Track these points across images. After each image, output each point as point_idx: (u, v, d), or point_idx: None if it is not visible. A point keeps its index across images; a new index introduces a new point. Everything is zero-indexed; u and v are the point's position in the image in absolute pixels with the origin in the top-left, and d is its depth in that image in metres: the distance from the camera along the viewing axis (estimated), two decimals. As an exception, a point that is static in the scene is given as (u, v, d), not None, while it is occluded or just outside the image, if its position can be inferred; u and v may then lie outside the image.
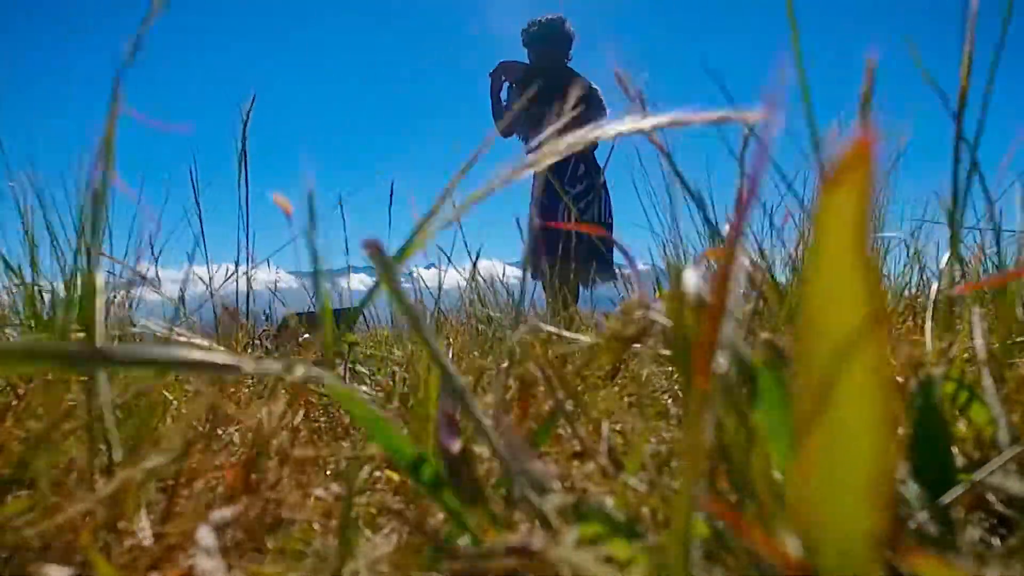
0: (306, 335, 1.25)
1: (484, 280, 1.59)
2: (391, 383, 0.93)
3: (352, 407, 0.35)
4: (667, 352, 0.43)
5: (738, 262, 0.24)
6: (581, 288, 2.78)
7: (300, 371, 0.32)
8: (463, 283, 1.57)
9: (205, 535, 0.37)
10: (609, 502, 0.34)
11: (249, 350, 1.32)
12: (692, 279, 0.36)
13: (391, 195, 1.86)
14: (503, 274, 1.70)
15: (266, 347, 1.49)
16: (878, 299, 0.23)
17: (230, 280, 1.49)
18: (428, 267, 1.65)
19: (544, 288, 2.38)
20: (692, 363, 0.31)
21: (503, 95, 3.52)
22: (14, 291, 1.03)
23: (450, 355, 0.98)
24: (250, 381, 0.88)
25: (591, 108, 3.09)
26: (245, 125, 1.49)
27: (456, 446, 0.35)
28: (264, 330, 1.53)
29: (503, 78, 3.49)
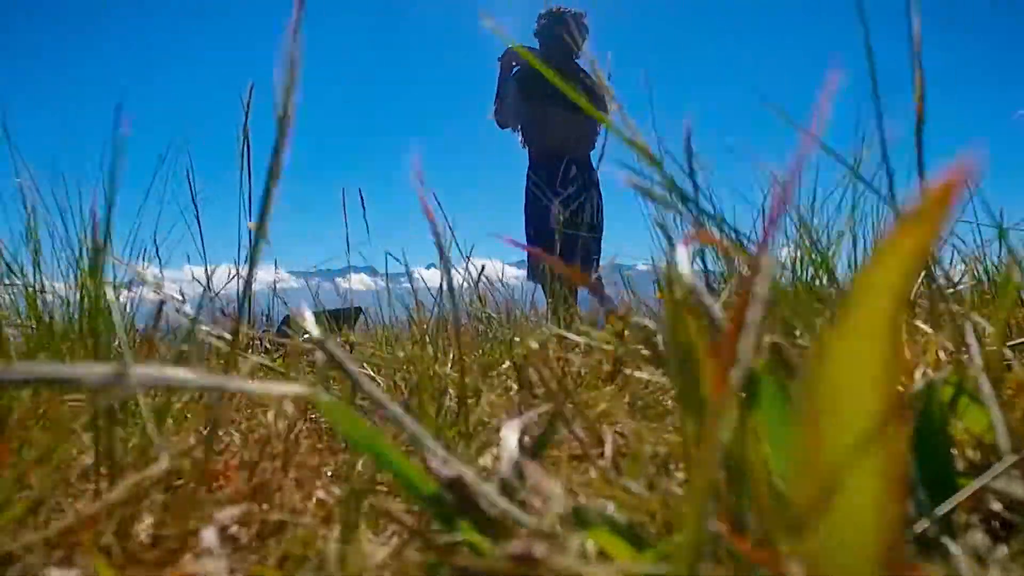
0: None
1: (484, 280, 1.59)
2: (392, 383, 0.93)
3: (352, 432, 0.33)
4: (660, 356, 0.43)
5: (764, 276, 0.24)
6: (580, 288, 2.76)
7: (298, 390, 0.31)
8: (463, 283, 1.56)
9: (208, 536, 0.38)
10: (610, 506, 0.34)
11: (250, 351, 1.32)
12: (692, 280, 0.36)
13: (362, 202, 1.90)
14: (503, 274, 1.71)
15: (266, 347, 1.49)
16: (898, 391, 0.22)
17: (230, 281, 1.48)
18: (428, 267, 1.65)
19: (544, 289, 2.37)
20: (692, 370, 0.31)
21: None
22: (14, 291, 1.03)
23: (451, 355, 0.98)
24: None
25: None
26: (246, 117, 1.48)
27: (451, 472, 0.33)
28: (265, 330, 1.53)
29: (513, 63, 3.22)
